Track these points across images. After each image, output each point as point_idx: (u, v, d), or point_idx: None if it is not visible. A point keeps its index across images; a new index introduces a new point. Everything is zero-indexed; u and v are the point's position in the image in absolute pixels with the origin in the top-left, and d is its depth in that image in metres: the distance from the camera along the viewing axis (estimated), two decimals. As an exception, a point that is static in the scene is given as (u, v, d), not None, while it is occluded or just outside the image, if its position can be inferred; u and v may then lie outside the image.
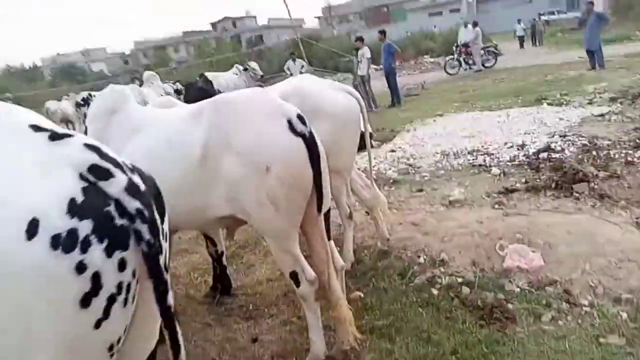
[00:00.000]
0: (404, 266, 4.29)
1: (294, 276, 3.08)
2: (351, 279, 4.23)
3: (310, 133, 2.89)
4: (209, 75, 16.49)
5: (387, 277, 4.16)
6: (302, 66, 18.46)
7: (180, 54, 67.87)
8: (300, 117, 2.91)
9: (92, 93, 17.40)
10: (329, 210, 3.21)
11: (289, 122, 2.86)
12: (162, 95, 11.35)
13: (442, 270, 4.14)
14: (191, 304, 4.35)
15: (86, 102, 16.82)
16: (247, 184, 2.89)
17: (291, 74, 17.94)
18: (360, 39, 15.30)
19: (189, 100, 11.24)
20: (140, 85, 11.90)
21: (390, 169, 7.64)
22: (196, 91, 10.65)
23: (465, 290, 3.80)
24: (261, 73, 16.60)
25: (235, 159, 2.88)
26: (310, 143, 2.87)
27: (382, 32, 15.60)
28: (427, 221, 5.06)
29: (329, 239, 3.21)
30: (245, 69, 16.32)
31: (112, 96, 3.71)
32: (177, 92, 12.91)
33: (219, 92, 11.22)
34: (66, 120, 17.50)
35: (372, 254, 4.62)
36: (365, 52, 14.61)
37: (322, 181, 2.92)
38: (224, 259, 4.35)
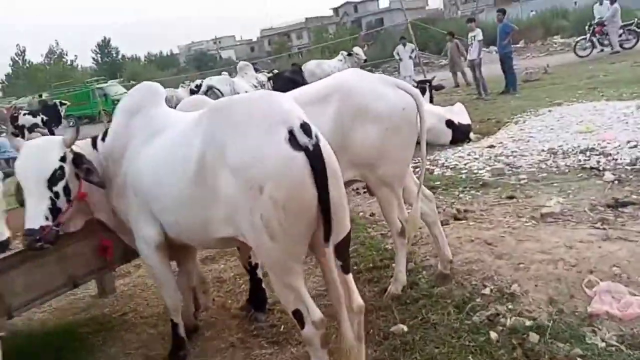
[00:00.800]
0: (463, 296, 3.55)
1: (298, 316, 2.57)
2: (399, 307, 3.61)
3: (316, 146, 2.35)
4: (313, 63, 16.30)
5: (441, 309, 3.46)
6: (412, 50, 17.58)
7: (303, 40, 69.11)
8: (304, 127, 2.38)
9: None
10: (348, 239, 2.63)
11: (290, 133, 2.35)
12: (254, 85, 11.26)
13: (509, 307, 3.34)
14: (224, 318, 4.00)
15: (199, 89, 17.42)
16: (241, 204, 2.45)
17: (400, 59, 17.24)
18: (471, 20, 14.06)
19: (276, 90, 11.04)
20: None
21: (483, 168, 6.75)
22: (284, 81, 10.35)
23: (533, 337, 2.99)
24: (364, 58, 16.04)
25: (229, 175, 2.45)
26: (315, 158, 2.32)
27: (501, 11, 14.10)
28: (504, 240, 4.22)
29: (346, 272, 2.64)
30: (350, 55, 15.87)
31: (140, 94, 3.42)
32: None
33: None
34: (180, 107, 18.23)
35: (429, 277, 3.92)
36: (477, 34, 13.39)
37: (332, 205, 2.36)
38: (258, 271, 3.93)
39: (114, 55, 64.94)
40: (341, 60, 16.34)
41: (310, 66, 16.32)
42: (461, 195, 5.81)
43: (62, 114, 19.31)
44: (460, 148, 8.08)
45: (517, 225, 4.56)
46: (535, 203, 5.06)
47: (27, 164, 2.93)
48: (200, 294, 4.22)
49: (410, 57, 17.39)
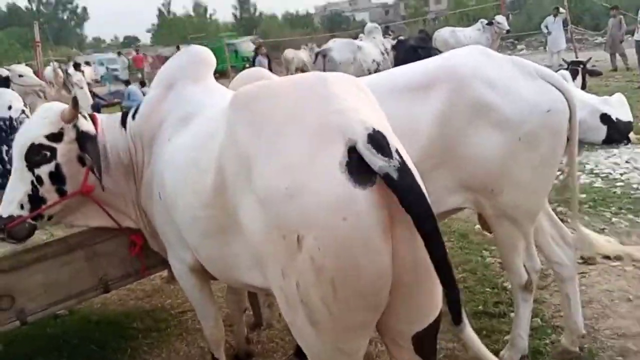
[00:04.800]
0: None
1: None
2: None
3: (403, 171, 1.38)
4: (447, 30, 14.89)
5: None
6: (566, 23, 15.42)
7: (441, 6, 65.61)
8: (376, 140, 1.41)
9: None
10: (434, 329, 1.66)
11: (350, 152, 1.40)
12: (382, 52, 10.16)
13: None
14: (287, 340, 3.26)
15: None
16: (269, 256, 1.58)
17: (549, 32, 15.33)
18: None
19: (398, 61, 9.92)
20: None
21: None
22: (407, 50, 9.08)
23: None
24: (507, 28, 14.20)
25: (255, 206, 1.56)
26: (402, 191, 1.37)
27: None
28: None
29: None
30: (490, 24, 14.17)
31: (181, 61, 2.64)
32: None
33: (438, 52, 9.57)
34: (301, 69, 17.72)
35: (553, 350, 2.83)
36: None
37: (405, 273, 1.45)
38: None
39: (252, 11, 66.31)
40: (479, 30, 14.65)
41: (443, 34, 14.78)
42: (614, 219, 4.46)
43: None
44: (615, 151, 6.50)
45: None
46: None
47: (18, 133, 2.47)
48: (264, 308, 3.52)
49: (565, 29, 15.26)
